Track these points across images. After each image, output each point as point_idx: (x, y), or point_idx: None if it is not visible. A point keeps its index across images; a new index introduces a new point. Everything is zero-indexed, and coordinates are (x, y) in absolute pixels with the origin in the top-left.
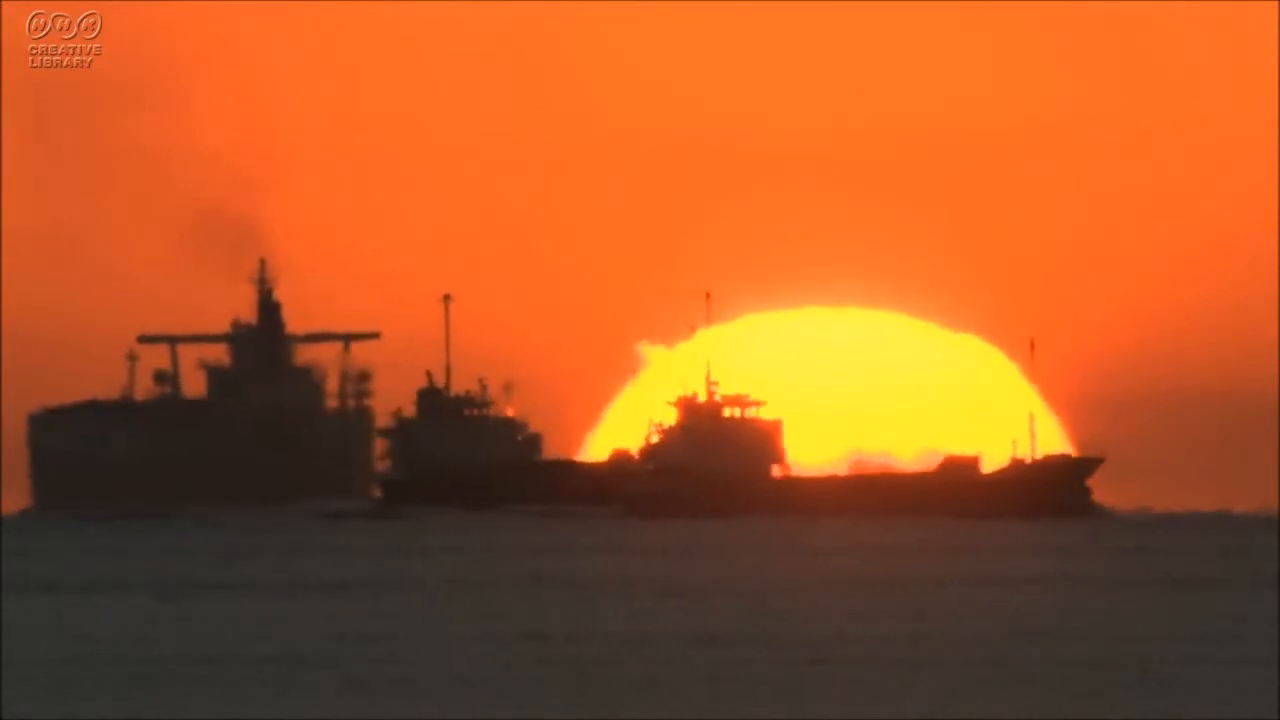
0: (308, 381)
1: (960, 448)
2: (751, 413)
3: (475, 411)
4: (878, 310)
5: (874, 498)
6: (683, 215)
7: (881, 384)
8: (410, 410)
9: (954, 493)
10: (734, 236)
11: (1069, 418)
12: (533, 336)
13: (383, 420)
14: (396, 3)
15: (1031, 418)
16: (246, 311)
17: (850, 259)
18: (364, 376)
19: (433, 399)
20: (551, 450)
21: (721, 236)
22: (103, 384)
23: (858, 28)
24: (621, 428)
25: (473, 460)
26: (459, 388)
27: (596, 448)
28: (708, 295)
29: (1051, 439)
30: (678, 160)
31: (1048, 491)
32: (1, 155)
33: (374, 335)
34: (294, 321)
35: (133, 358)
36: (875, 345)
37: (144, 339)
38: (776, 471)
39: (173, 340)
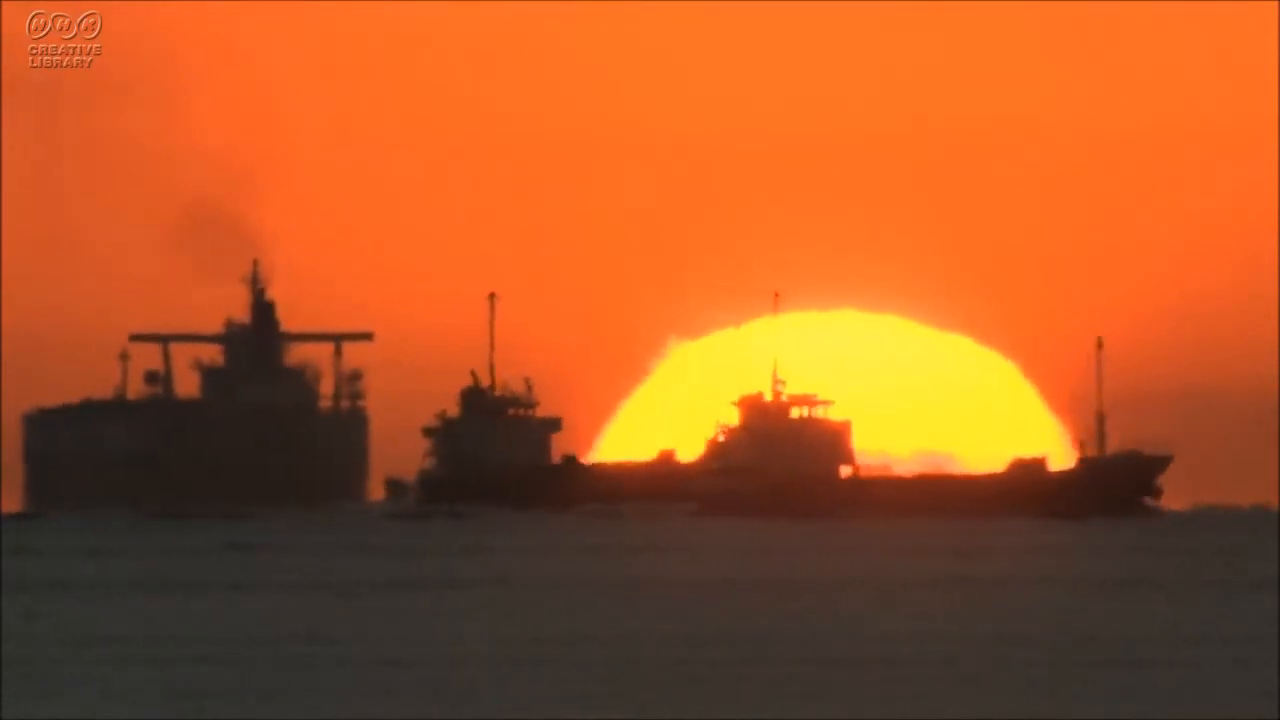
0: (301, 382)
1: (954, 449)
2: (819, 412)
3: (519, 411)
4: (885, 314)
5: (944, 498)
6: (703, 214)
7: (922, 386)
8: (454, 409)
9: (1023, 493)
10: (765, 237)
11: (1134, 415)
12: (540, 334)
13: (425, 419)
14: (391, 3)
15: (1099, 417)
16: (239, 312)
17: (877, 264)
18: (356, 377)
19: (477, 398)
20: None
21: (751, 237)
22: (96, 384)
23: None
24: (637, 427)
25: (516, 460)
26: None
27: (610, 447)
28: (776, 295)
29: (1054, 440)
30: (673, 160)
31: (1117, 490)
32: (1, 155)
33: (367, 336)
34: (287, 321)
35: (125, 357)
36: (901, 349)
37: (136, 338)
38: (845, 471)
39: (165, 340)
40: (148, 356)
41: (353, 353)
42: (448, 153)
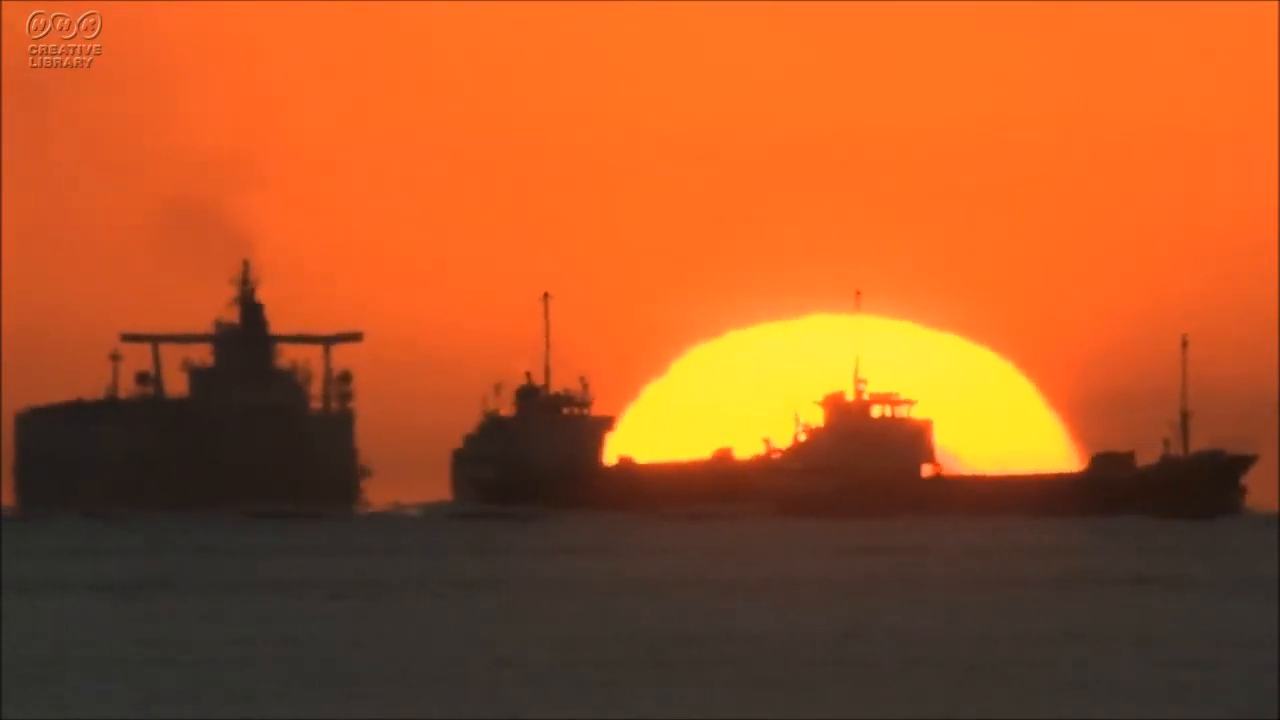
0: (290, 383)
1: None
2: (901, 411)
3: (574, 410)
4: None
5: (1026, 497)
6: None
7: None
8: (507, 409)
9: (1105, 491)
10: (801, 236)
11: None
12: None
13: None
14: (380, 3)
15: (1183, 415)
16: (229, 312)
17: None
18: (346, 378)
19: (532, 398)
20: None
21: (786, 236)
22: (88, 384)
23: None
24: (646, 426)
25: (570, 459)
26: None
27: (660, 446)
28: (858, 293)
29: (1056, 440)
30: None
31: (1200, 489)
32: (1, 155)
33: (356, 337)
34: (276, 323)
35: (116, 357)
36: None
37: (127, 338)
38: (927, 471)
39: (155, 340)
40: (139, 357)
41: (342, 354)
42: (440, 153)
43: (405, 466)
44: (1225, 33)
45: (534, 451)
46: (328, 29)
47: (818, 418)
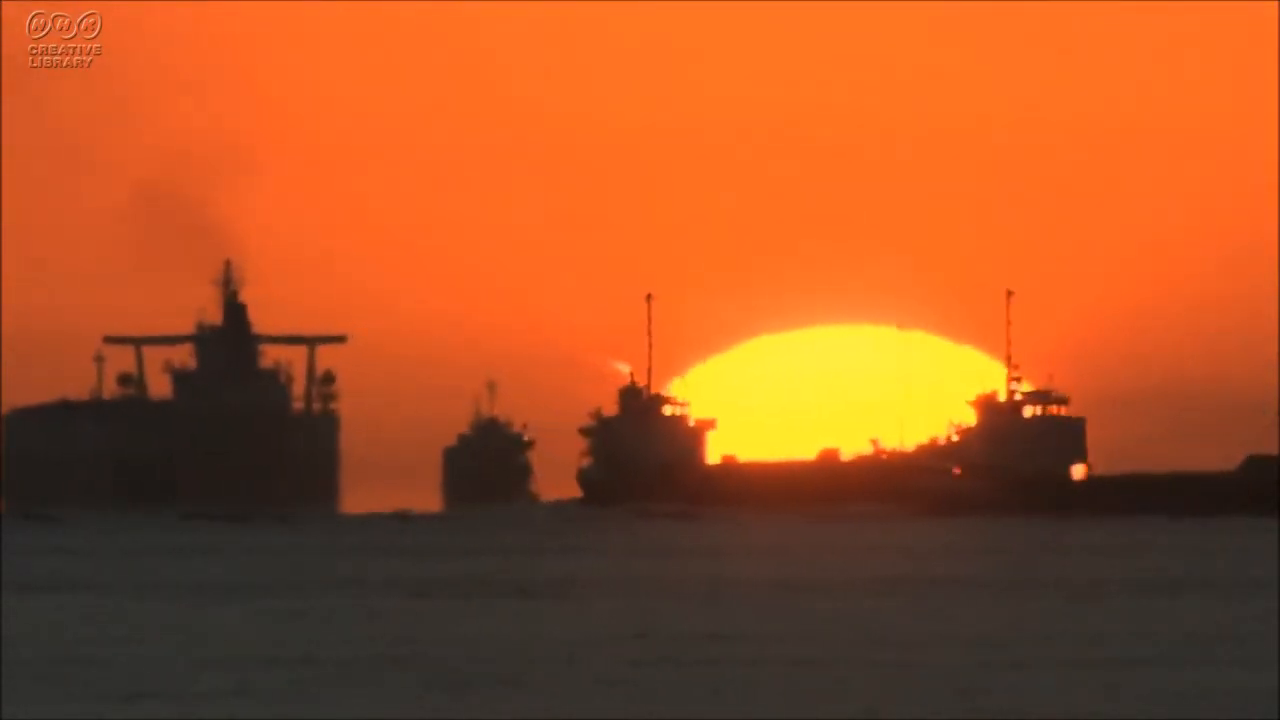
0: (273, 383)
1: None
2: (1054, 410)
3: (675, 410)
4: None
5: (1178, 496)
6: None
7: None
8: (610, 409)
9: (1258, 490)
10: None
11: None
12: (516, 339)
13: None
14: (369, 3)
15: None
16: (213, 314)
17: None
18: (328, 378)
19: (634, 398)
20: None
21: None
22: (73, 385)
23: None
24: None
25: (673, 459)
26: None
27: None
28: (1009, 293)
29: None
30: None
31: None
32: (1, 155)
33: (340, 339)
34: (259, 324)
35: (100, 359)
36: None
37: (109, 340)
38: (1079, 471)
39: (138, 341)
40: (122, 358)
41: (325, 355)
42: (429, 153)
43: (394, 467)
44: (1225, 33)
45: (638, 451)
46: (316, 29)
47: (970, 417)
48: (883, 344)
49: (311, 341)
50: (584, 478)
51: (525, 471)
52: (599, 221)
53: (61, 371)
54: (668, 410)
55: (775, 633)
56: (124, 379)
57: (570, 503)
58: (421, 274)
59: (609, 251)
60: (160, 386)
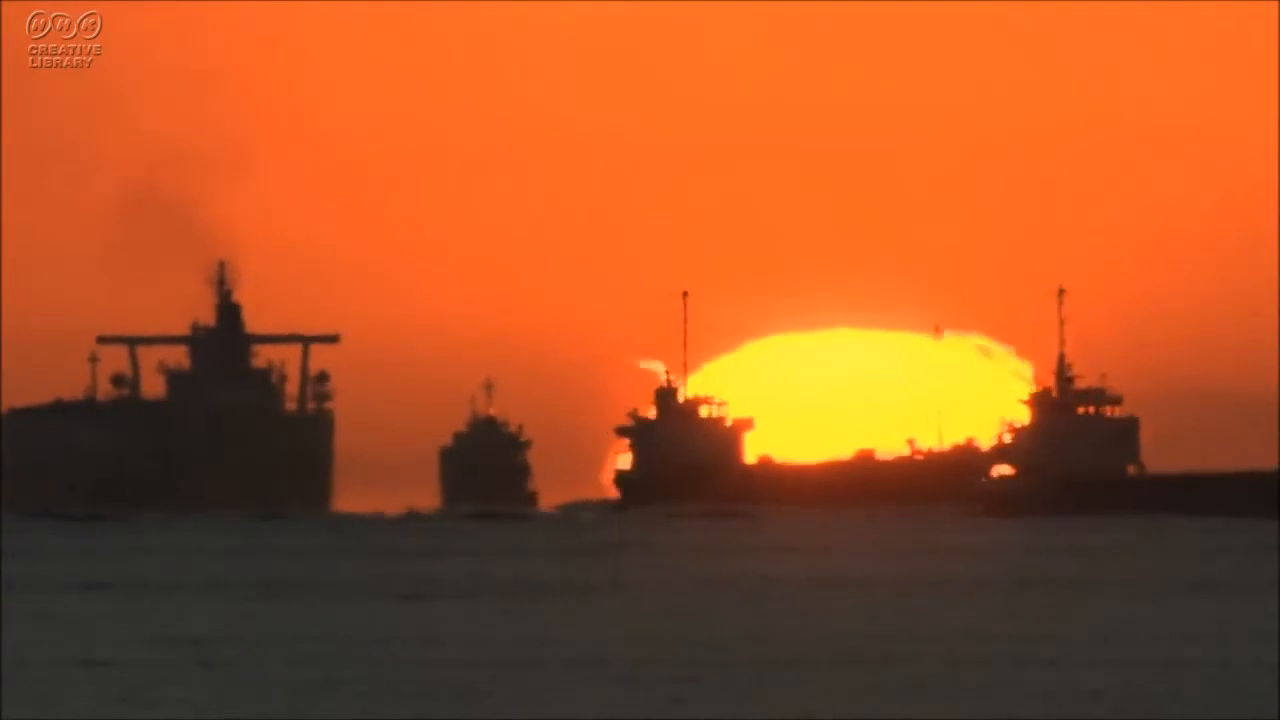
0: (266, 383)
1: None
2: (1106, 409)
3: (712, 411)
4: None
5: (1234, 496)
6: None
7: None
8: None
9: None
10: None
11: None
12: (515, 339)
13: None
14: (360, 3)
15: None
16: (207, 314)
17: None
18: (323, 378)
19: (669, 399)
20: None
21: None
22: (67, 385)
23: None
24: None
25: (711, 460)
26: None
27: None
28: (1061, 291)
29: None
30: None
31: None
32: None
33: (333, 338)
34: (253, 324)
35: (95, 359)
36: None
37: (103, 340)
38: (1132, 469)
39: (131, 342)
40: (116, 359)
41: (319, 355)
42: (422, 152)
43: (390, 467)
44: (1225, 33)
45: (676, 451)
46: (310, 28)
47: (1024, 416)
48: (915, 348)
49: (305, 341)
50: (622, 478)
51: (523, 471)
52: (598, 221)
53: (56, 372)
54: (705, 411)
55: (855, 630)
56: (117, 379)
57: (602, 504)
58: (416, 274)
59: (609, 251)
60: (154, 387)
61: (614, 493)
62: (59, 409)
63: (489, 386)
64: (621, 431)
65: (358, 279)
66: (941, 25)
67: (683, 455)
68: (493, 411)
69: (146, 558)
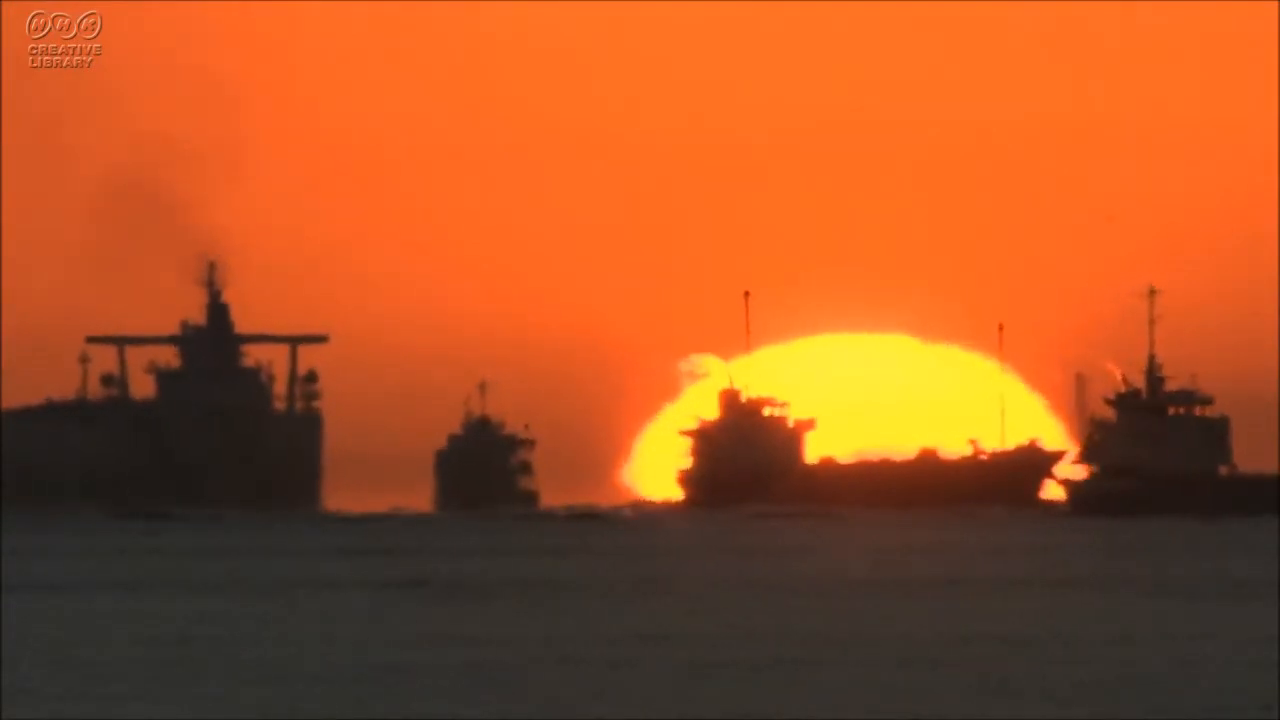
0: (256, 382)
1: None
2: (1196, 409)
3: (774, 412)
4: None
5: None
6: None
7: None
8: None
9: None
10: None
11: None
12: (515, 340)
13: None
14: (353, 3)
15: None
16: (196, 314)
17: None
18: (312, 378)
19: (732, 400)
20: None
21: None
22: (58, 386)
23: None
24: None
25: (772, 460)
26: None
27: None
28: (1152, 291)
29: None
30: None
31: None
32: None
33: (322, 338)
34: (242, 323)
35: (85, 359)
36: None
37: (92, 340)
38: (1224, 470)
39: (120, 342)
40: (106, 359)
41: (310, 355)
42: (412, 152)
43: (383, 467)
44: (1225, 33)
45: (740, 452)
46: (304, 27)
47: (1110, 415)
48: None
49: (293, 341)
50: (686, 479)
51: (519, 471)
52: (596, 220)
53: (46, 373)
54: (767, 411)
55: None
56: (106, 379)
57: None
58: (409, 274)
59: (606, 251)
60: (143, 387)
61: (628, 494)
62: (50, 410)
63: (483, 387)
64: (685, 433)
65: (348, 279)
66: (1018, 25)
67: (747, 456)
68: (488, 412)
69: (147, 557)
